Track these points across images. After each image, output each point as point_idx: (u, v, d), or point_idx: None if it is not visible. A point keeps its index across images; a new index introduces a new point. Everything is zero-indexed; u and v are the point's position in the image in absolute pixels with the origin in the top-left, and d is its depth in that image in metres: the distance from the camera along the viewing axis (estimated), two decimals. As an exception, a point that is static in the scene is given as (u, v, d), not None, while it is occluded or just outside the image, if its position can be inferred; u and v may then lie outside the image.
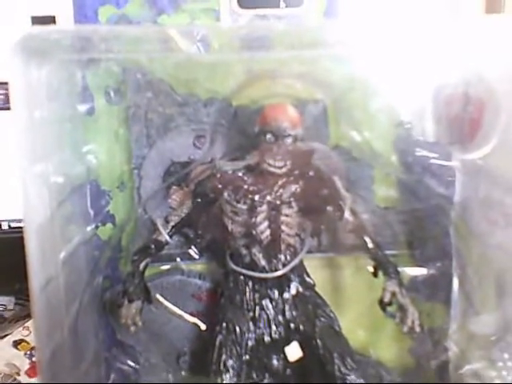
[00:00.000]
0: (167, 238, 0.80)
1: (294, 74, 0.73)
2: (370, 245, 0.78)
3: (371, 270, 0.79)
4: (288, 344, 0.77)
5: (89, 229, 0.83)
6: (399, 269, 0.77)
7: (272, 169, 0.76)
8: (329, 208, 0.79)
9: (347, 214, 0.78)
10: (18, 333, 1.00)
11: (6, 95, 0.99)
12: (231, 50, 0.65)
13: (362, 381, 0.73)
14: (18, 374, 0.95)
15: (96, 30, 0.63)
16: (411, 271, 0.81)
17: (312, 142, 0.80)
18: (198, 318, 0.85)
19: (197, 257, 0.86)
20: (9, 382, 0.93)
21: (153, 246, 0.79)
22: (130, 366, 0.83)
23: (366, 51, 0.69)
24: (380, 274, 0.78)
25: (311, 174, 0.78)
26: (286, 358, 0.77)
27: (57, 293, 0.71)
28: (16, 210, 0.97)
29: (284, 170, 0.76)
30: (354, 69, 0.72)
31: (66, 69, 0.71)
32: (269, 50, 0.65)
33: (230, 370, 0.74)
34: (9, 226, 1.02)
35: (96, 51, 0.63)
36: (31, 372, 0.95)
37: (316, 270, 0.83)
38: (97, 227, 0.84)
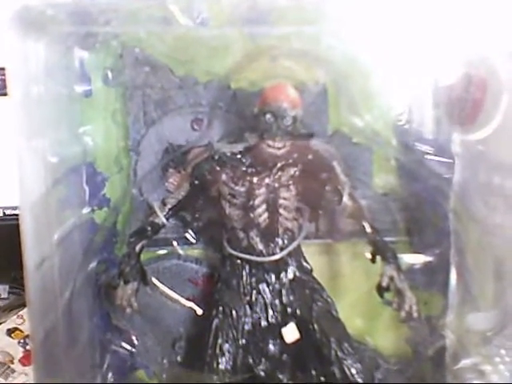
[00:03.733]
0: (164, 220, 0.79)
1: (294, 51, 0.72)
2: (369, 230, 0.77)
3: (369, 256, 0.78)
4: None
5: (84, 211, 0.82)
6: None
7: (271, 149, 0.76)
8: (327, 192, 0.78)
9: (346, 199, 0.78)
10: (11, 321, 1.00)
11: (3, 81, 0.98)
12: (231, 26, 0.65)
13: (358, 365, 0.73)
14: (12, 362, 0.94)
15: (94, 2, 0.62)
16: (409, 258, 0.81)
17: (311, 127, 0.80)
18: (195, 303, 0.84)
19: (194, 241, 0.85)
20: (2, 369, 0.93)
21: (149, 229, 0.78)
22: (125, 348, 0.82)
23: (367, 31, 0.69)
24: (378, 259, 0.77)
25: (310, 157, 0.77)
26: (282, 342, 0.77)
27: (51, 273, 0.71)
28: (10, 196, 0.97)
29: (283, 150, 0.76)
30: (354, 47, 0.71)
31: (63, 43, 0.71)
32: (269, 26, 0.65)
33: (226, 354, 0.74)
34: (3, 213, 1.01)
35: (94, 24, 0.62)
36: (25, 360, 0.94)
37: (313, 256, 0.82)
38: (93, 211, 0.83)
